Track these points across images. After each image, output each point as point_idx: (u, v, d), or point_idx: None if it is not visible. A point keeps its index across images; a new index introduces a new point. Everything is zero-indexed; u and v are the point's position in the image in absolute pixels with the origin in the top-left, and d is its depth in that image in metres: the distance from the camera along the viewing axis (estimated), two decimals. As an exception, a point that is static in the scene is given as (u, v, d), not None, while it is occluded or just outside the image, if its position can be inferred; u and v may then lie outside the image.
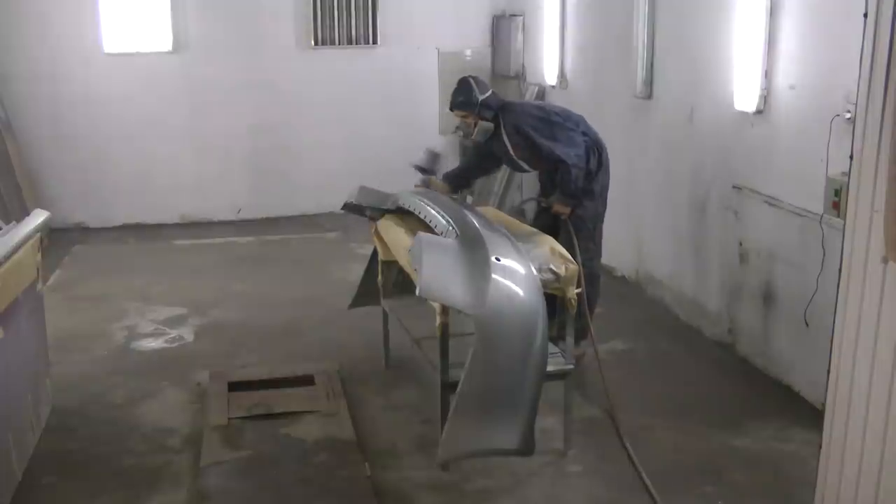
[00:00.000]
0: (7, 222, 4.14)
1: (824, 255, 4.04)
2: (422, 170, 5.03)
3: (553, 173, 4.78)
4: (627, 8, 5.92)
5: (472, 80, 4.89)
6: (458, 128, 5.05)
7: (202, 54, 8.12)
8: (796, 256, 4.38)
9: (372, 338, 4.99)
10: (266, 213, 8.51)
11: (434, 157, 5.11)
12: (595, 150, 4.79)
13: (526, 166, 5.01)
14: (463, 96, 4.82)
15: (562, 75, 7.26)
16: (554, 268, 3.71)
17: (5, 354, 3.50)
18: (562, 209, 4.71)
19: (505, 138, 4.80)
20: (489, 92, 4.85)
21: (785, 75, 4.44)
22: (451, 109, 4.93)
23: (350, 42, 8.43)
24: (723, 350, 5.04)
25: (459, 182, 5.19)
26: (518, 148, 4.79)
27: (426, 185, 4.98)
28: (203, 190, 8.38)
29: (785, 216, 4.47)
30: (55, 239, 6.57)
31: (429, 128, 8.74)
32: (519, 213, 5.27)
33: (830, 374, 2.96)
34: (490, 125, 4.83)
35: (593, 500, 3.60)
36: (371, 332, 5.02)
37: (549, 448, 3.87)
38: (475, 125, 4.83)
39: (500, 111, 4.82)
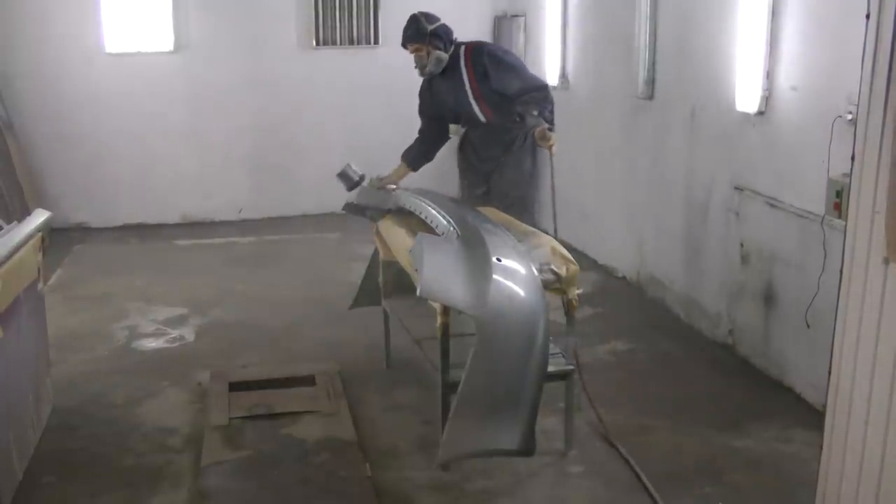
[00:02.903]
0: (8, 222, 4.14)
1: (825, 256, 4.03)
2: (351, 186, 4.96)
3: (507, 118, 4.82)
4: (629, 9, 5.91)
5: (419, 14, 4.92)
6: (415, 66, 4.96)
7: (204, 54, 8.12)
8: (797, 257, 4.38)
9: (373, 338, 4.99)
10: (267, 213, 8.51)
11: (344, 175, 4.97)
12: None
13: (478, 111, 4.91)
14: (411, 30, 4.86)
15: (563, 76, 7.26)
16: (555, 268, 3.71)
17: (6, 354, 3.50)
18: (548, 137, 4.58)
19: (463, 73, 4.81)
20: (439, 22, 4.88)
21: (786, 76, 4.44)
22: (404, 45, 4.92)
23: (352, 42, 8.43)
24: (723, 351, 5.04)
25: (418, 157, 5.18)
26: (477, 83, 4.77)
27: (361, 191, 4.89)
28: (204, 190, 8.38)
29: (786, 217, 4.46)
30: (56, 238, 6.57)
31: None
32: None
33: (831, 375, 2.95)
34: (444, 55, 4.84)
35: (594, 500, 3.60)
36: (372, 333, 5.02)
37: (549, 448, 3.87)
38: (428, 56, 4.84)
39: (460, 45, 4.87)
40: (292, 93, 8.40)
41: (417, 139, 5.26)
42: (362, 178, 4.88)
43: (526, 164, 5.18)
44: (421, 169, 5.29)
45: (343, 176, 4.93)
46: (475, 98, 4.84)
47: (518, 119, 4.86)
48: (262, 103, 8.35)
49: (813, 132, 4.16)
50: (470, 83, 4.78)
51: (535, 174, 5.27)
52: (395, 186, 4.87)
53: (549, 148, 4.62)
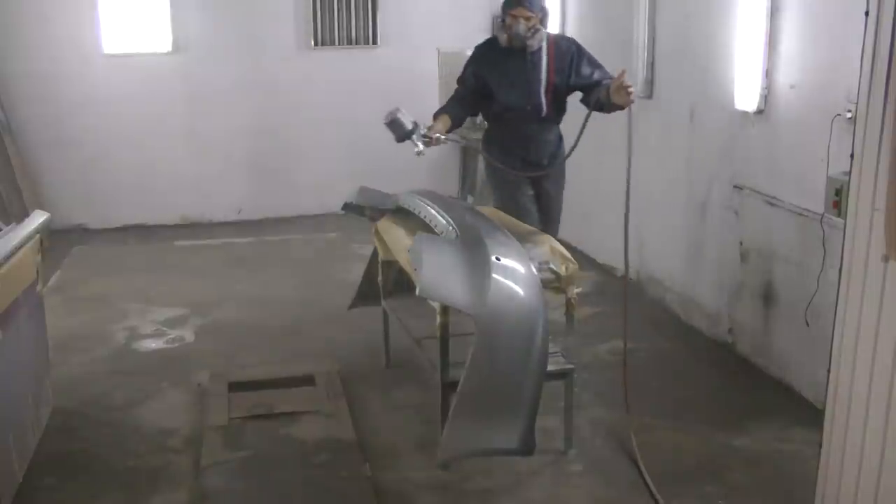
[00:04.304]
0: (7, 223, 4.13)
1: (825, 254, 4.03)
2: (402, 137, 4.44)
3: (560, 115, 4.69)
4: (628, 7, 5.92)
5: None
6: (506, 24, 4.50)
7: (202, 55, 8.11)
8: (797, 256, 4.38)
9: (372, 338, 4.99)
10: (266, 214, 8.51)
11: (395, 123, 4.43)
12: None
13: (544, 101, 4.60)
14: None
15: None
16: (554, 267, 3.71)
17: (5, 355, 3.50)
18: (627, 84, 4.18)
19: (543, 59, 4.54)
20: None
21: (785, 75, 4.44)
22: (518, 6, 4.47)
23: (350, 42, 8.43)
24: (723, 350, 5.04)
25: (460, 115, 4.73)
26: (554, 73, 4.52)
27: (426, 138, 4.47)
28: (203, 190, 8.37)
29: (786, 216, 4.46)
30: (55, 240, 6.57)
31: (429, 128, 8.75)
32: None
33: (830, 374, 2.96)
34: (545, 34, 4.55)
35: (594, 499, 3.60)
36: (371, 332, 5.01)
37: (549, 448, 3.87)
38: (531, 30, 4.47)
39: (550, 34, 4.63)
40: (291, 93, 8.40)
41: (454, 100, 4.80)
42: (415, 126, 4.40)
43: (564, 178, 4.99)
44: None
45: (393, 124, 4.41)
46: (546, 88, 4.58)
47: (597, 104, 4.43)
48: (260, 104, 8.35)
49: (812, 130, 4.17)
50: (548, 72, 4.52)
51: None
52: (443, 136, 4.50)
53: (629, 94, 4.17)
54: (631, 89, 4.17)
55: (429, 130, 4.46)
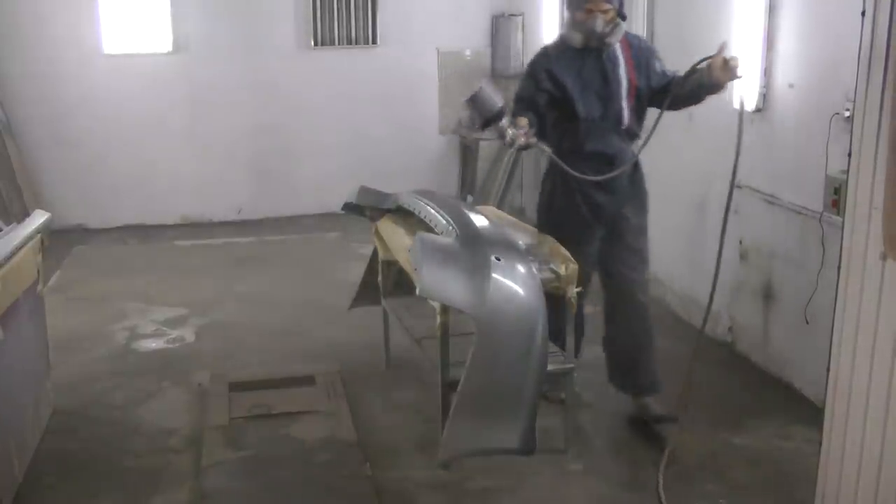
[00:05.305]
0: (7, 223, 4.14)
1: (824, 252, 4.04)
2: (486, 120, 3.76)
3: (639, 127, 4.03)
4: (627, 6, 5.89)
5: None
6: (578, 21, 3.84)
7: (202, 55, 8.12)
8: (796, 254, 4.39)
9: (372, 338, 4.99)
10: (266, 214, 8.52)
11: (479, 100, 3.75)
12: None
13: (626, 109, 3.94)
14: None
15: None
16: (554, 267, 3.71)
17: (6, 356, 3.50)
18: (731, 59, 3.67)
19: (620, 59, 3.89)
20: None
21: (784, 74, 4.44)
22: None
23: (350, 42, 8.43)
24: (723, 348, 5.04)
25: (535, 123, 3.87)
26: (635, 75, 3.91)
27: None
28: (203, 190, 8.39)
29: (785, 214, 4.47)
30: (56, 240, 6.55)
31: (428, 128, 8.76)
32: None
33: (830, 371, 2.96)
34: (624, 26, 3.89)
35: (595, 498, 3.60)
36: (371, 332, 5.02)
37: (549, 447, 3.87)
38: (609, 23, 3.82)
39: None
40: (291, 93, 8.41)
41: (521, 108, 3.96)
42: (502, 110, 3.74)
43: (648, 203, 4.25)
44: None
45: (477, 100, 3.74)
46: (628, 93, 3.94)
47: (692, 93, 3.89)
48: (260, 104, 8.36)
49: (811, 129, 4.17)
50: (628, 74, 3.90)
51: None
52: (534, 139, 3.80)
53: (735, 69, 3.66)
54: (735, 62, 3.65)
55: (516, 120, 3.77)
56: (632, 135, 4.07)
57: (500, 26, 8.55)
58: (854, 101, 2.79)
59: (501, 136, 3.75)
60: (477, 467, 3.72)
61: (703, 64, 3.74)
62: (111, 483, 3.74)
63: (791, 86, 4.40)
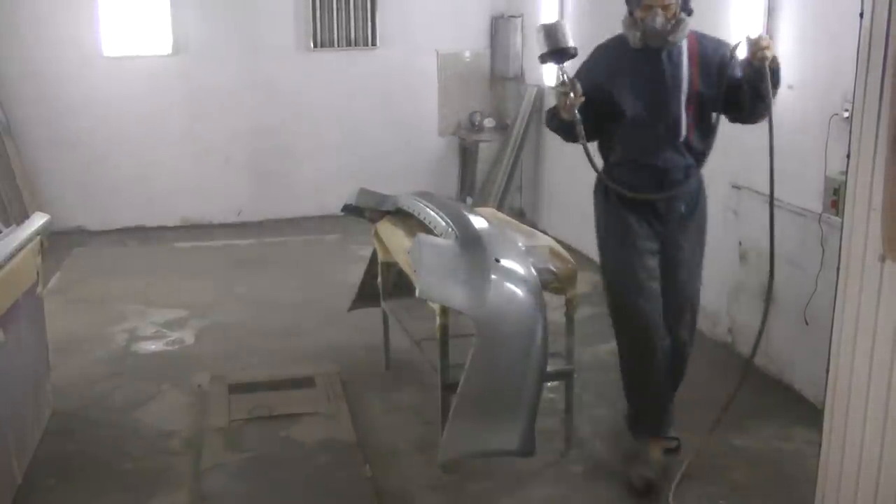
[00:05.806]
0: (7, 225, 4.14)
1: (823, 253, 4.04)
2: (553, 55, 3.53)
3: (707, 145, 3.56)
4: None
5: None
6: (636, 18, 3.51)
7: (202, 57, 8.13)
8: (796, 255, 4.39)
9: (372, 339, 5.00)
10: (266, 216, 8.52)
11: (551, 34, 3.52)
12: None
13: (684, 118, 3.50)
14: None
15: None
16: (553, 268, 3.71)
17: (5, 357, 3.50)
18: (765, 41, 3.39)
19: (684, 59, 3.50)
20: None
21: (783, 75, 4.43)
22: None
23: (349, 44, 8.44)
24: (723, 349, 5.04)
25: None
26: (699, 79, 3.51)
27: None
28: (203, 192, 8.38)
29: (784, 215, 4.46)
30: (55, 242, 6.56)
31: (428, 129, 8.77)
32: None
33: (829, 373, 2.96)
34: (689, 21, 3.51)
35: (595, 500, 3.60)
36: (371, 334, 5.02)
37: (549, 448, 3.88)
38: (672, 18, 3.45)
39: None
40: (290, 95, 8.41)
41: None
42: (570, 50, 3.52)
43: (706, 222, 3.79)
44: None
45: (551, 31, 3.52)
46: (688, 100, 3.51)
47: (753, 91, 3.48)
48: (260, 105, 8.36)
49: (810, 130, 4.17)
50: (691, 77, 3.49)
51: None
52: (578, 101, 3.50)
53: (765, 49, 3.38)
54: (765, 42, 3.36)
55: (576, 81, 3.48)
56: (694, 152, 3.58)
57: (500, 28, 8.55)
58: (853, 102, 2.79)
59: (558, 78, 3.49)
60: (477, 469, 3.73)
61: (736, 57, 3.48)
62: (111, 485, 3.74)
63: (790, 87, 4.40)
